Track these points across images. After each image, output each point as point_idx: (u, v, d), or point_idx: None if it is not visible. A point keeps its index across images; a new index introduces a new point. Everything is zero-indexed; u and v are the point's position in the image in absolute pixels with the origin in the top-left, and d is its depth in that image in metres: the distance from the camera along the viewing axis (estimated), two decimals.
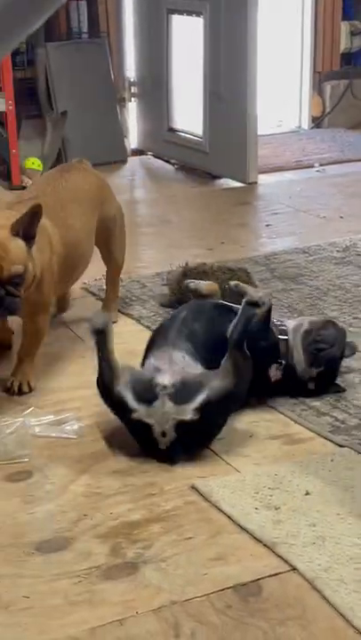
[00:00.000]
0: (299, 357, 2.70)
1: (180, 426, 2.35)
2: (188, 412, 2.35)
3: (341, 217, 4.58)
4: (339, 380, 2.77)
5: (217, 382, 2.38)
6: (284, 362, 2.69)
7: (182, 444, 2.37)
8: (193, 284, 2.86)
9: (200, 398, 2.35)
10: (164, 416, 2.35)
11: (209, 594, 1.88)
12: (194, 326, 2.59)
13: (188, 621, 1.81)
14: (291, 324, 2.77)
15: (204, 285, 2.84)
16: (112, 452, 2.46)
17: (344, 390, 2.75)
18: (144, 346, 2.63)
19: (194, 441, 2.41)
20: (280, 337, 2.71)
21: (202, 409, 2.35)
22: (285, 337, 2.71)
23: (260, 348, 2.59)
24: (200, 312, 2.67)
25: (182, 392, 2.36)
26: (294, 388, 2.73)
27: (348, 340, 2.85)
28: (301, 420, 2.61)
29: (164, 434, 2.36)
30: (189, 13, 5.36)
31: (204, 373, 2.44)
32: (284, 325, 2.75)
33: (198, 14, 5.25)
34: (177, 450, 2.38)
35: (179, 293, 3.39)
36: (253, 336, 2.53)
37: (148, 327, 3.21)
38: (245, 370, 2.45)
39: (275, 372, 2.69)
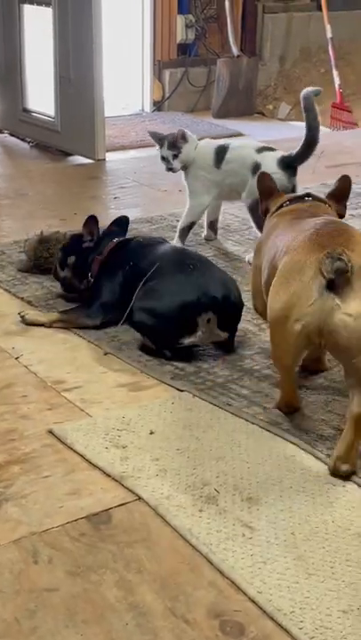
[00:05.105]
0: None
1: None
2: None
3: (180, 190, 4.59)
4: None
5: None
6: None
7: None
8: None
9: None
10: None
11: (64, 524, 1.89)
12: None
13: (46, 549, 1.81)
14: None
15: None
16: None
17: None
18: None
19: None
20: None
21: None
22: None
23: None
24: None
25: None
26: None
27: None
28: (147, 369, 2.63)
29: None
30: (39, 3, 5.23)
31: None
32: None
33: (47, 4, 5.13)
34: None
35: (35, 259, 3.35)
36: None
37: (7, 290, 3.15)
38: None
39: None
